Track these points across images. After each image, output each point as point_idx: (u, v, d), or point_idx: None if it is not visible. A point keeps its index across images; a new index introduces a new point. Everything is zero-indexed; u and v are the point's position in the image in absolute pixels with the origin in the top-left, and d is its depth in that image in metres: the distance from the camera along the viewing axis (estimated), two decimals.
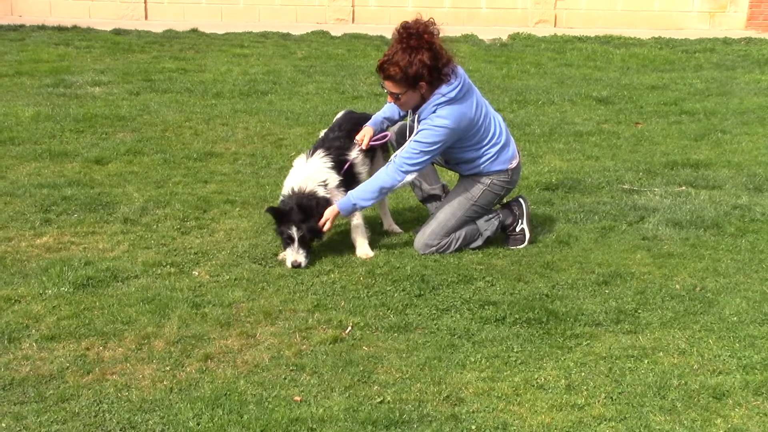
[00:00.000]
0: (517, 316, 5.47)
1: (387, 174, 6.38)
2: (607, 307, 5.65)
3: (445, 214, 6.62)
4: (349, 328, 5.34)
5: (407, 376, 4.82)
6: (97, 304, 5.55)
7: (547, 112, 11.22)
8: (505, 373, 4.86)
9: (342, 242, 6.66)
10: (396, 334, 5.29)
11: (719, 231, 7.00)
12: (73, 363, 4.87)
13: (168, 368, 4.85)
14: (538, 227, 7.01)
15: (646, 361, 4.98)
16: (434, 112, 6.30)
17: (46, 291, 5.70)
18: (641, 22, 18.58)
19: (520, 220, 6.77)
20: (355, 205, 6.37)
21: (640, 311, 5.62)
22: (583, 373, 4.86)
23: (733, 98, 12.08)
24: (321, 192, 6.41)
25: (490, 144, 6.58)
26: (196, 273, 6.10)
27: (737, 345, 5.16)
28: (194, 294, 5.74)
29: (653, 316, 5.57)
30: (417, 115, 6.42)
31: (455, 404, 4.57)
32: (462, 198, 6.66)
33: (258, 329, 5.32)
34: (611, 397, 4.62)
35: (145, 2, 18.68)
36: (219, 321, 5.38)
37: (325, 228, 6.37)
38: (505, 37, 16.67)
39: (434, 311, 5.58)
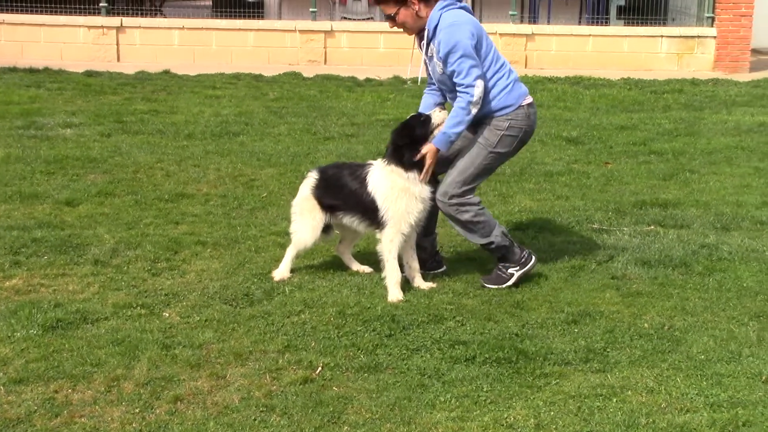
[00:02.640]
0: (486, 356, 5.49)
1: (459, 97, 6.33)
2: (577, 346, 5.68)
3: (464, 162, 6.53)
4: (320, 368, 5.34)
5: (377, 416, 4.83)
6: (66, 346, 5.53)
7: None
8: (474, 413, 4.87)
9: (312, 281, 6.67)
10: (366, 375, 5.29)
11: (687, 270, 7.06)
12: (41, 406, 4.84)
13: (137, 410, 4.84)
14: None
15: (614, 400, 5.01)
16: (440, 18, 6.29)
17: (15, 333, 5.67)
18: (611, 64, 18.78)
19: (519, 266, 6.67)
20: (446, 133, 6.35)
21: (608, 350, 5.66)
22: (552, 412, 4.88)
23: (700, 138, 12.21)
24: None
25: (501, 71, 6.49)
26: (167, 314, 6.10)
27: (704, 383, 5.20)
28: (164, 335, 5.73)
29: (622, 354, 5.60)
30: (427, 35, 6.39)
31: None
32: (480, 145, 6.54)
33: (228, 370, 5.32)
34: None
35: (117, 44, 18.73)
36: (189, 362, 5.38)
37: (427, 164, 6.37)
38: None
39: (404, 351, 5.59)
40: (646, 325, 6.03)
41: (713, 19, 19.15)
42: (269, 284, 6.61)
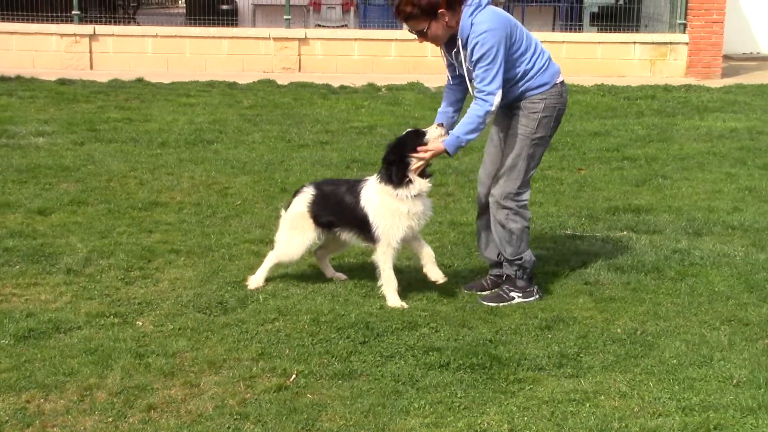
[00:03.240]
0: (460, 362, 5.50)
1: (475, 104, 6.27)
2: (550, 352, 5.70)
3: (511, 159, 6.49)
4: (294, 376, 5.34)
5: (351, 423, 4.83)
6: (39, 356, 5.50)
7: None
8: (448, 419, 4.89)
9: (286, 289, 6.67)
10: (340, 382, 5.30)
11: (659, 275, 7.10)
12: (12, 416, 4.82)
13: (110, 419, 4.82)
14: (481, 272, 7.07)
15: (587, 405, 5.03)
16: (472, 25, 6.22)
17: None
18: (584, 70, 18.85)
19: (523, 295, 6.61)
20: (459, 138, 6.31)
21: (582, 355, 5.69)
22: (525, 418, 4.90)
23: (673, 144, 12.28)
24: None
25: (537, 52, 6.46)
26: (140, 323, 6.08)
27: (676, 387, 5.24)
28: (138, 344, 5.72)
29: (595, 359, 5.63)
30: (459, 41, 6.32)
31: None
32: (521, 137, 6.48)
33: (202, 379, 5.31)
34: None
35: (90, 52, 18.65)
36: (163, 371, 5.36)
37: (422, 156, 6.35)
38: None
39: (378, 358, 5.60)
40: (619, 330, 6.06)
41: (685, 25, 19.27)
42: (243, 292, 6.61)
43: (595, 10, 21.32)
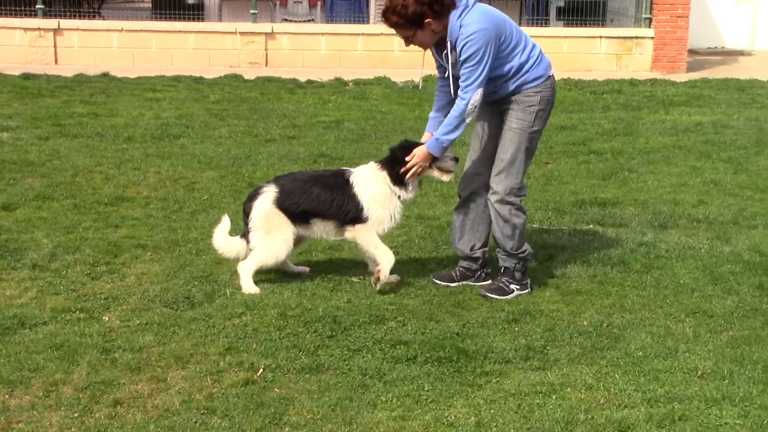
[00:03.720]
0: (428, 355, 5.52)
1: (456, 104, 6.33)
2: (517, 345, 5.73)
3: (510, 154, 6.50)
4: (261, 370, 5.34)
5: (318, 417, 4.84)
6: (4, 351, 5.47)
7: (459, 153, 11.27)
8: (415, 412, 4.90)
9: (256, 283, 6.65)
10: (308, 376, 5.30)
11: (625, 268, 7.15)
12: None
13: (76, 415, 4.80)
14: (448, 265, 7.08)
15: (554, 397, 5.06)
16: (461, 26, 6.23)
17: None
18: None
19: (521, 287, 6.65)
20: (439, 140, 6.42)
21: (548, 348, 5.72)
22: (492, 410, 4.92)
23: (639, 138, 12.35)
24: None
25: (528, 46, 6.48)
26: (106, 318, 6.05)
27: (642, 379, 5.28)
28: (104, 339, 5.70)
29: (561, 352, 5.66)
30: (449, 43, 6.33)
31: None
32: (518, 130, 6.50)
33: (169, 373, 5.29)
34: None
35: (55, 46, 18.51)
36: (129, 366, 5.34)
37: (411, 164, 6.50)
38: (417, 80, 16.84)
39: (346, 352, 5.60)
40: (585, 322, 6.10)
41: (651, 20, 19.35)
42: (210, 287, 6.59)
43: (561, 4, 21.37)
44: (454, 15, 6.27)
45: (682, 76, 18.14)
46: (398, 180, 6.61)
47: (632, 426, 4.75)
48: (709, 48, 22.39)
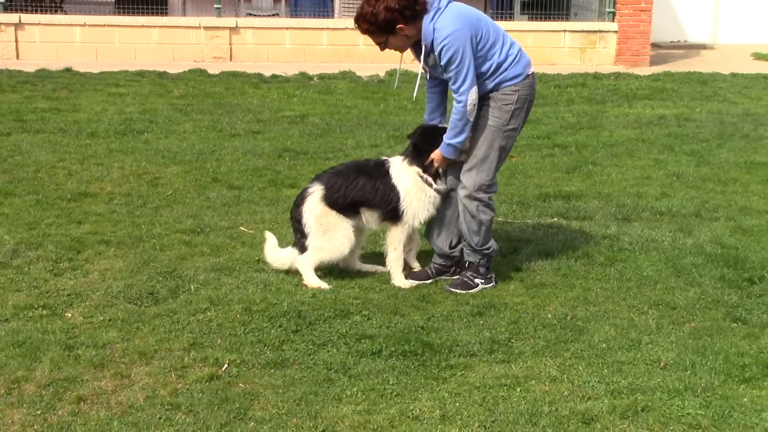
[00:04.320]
0: (393, 349, 5.53)
1: (455, 108, 6.33)
2: (481, 338, 5.75)
3: (482, 151, 6.51)
4: (226, 365, 5.33)
5: (283, 411, 4.83)
6: None
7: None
8: (380, 406, 4.91)
9: (218, 279, 6.64)
10: (272, 371, 5.29)
11: (589, 261, 7.18)
12: None
13: (39, 412, 4.77)
14: (422, 259, 7.09)
15: (518, 390, 5.08)
16: (434, 30, 6.22)
17: None
18: None
19: (485, 281, 6.67)
20: (451, 144, 6.45)
21: (513, 341, 5.74)
22: (457, 403, 4.93)
23: (603, 131, 12.42)
24: None
25: (507, 44, 6.48)
26: (69, 315, 6.02)
27: (605, 371, 5.31)
28: (67, 336, 5.66)
29: (526, 345, 5.69)
30: (424, 47, 6.33)
31: None
32: (493, 128, 6.50)
33: (133, 369, 5.27)
34: (484, 426, 4.71)
35: (17, 41, 18.34)
36: (92, 362, 5.32)
37: (437, 167, 6.63)
38: (382, 74, 16.85)
39: (311, 346, 5.60)
40: (549, 315, 6.13)
41: (614, 14, 19.45)
42: (174, 282, 6.56)
43: None
44: (426, 18, 6.27)
45: (645, 70, 18.26)
46: (428, 170, 6.66)
47: (596, 417, 4.78)
48: (671, 42, 22.55)
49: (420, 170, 6.66)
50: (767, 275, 6.80)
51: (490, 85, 6.46)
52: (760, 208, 8.65)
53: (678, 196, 9.07)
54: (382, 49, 6.52)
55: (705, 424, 4.75)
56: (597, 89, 15.87)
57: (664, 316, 6.15)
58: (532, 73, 6.63)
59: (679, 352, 5.55)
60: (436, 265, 6.92)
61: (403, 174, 6.69)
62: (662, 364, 5.40)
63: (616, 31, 19.32)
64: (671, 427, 4.71)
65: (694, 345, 5.67)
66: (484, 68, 6.39)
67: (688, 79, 16.90)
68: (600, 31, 19.42)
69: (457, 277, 6.80)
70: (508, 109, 6.49)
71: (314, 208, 6.66)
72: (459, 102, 6.30)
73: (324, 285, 6.58)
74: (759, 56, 20.41)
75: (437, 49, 6.25)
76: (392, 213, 6.68)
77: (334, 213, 6.65)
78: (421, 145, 6.68)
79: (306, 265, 6.65)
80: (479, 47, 6.34)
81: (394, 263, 6.72)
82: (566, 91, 15.68)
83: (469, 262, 6.72)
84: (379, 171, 6.74)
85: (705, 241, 7.62)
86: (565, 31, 19.48)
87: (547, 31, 19.51)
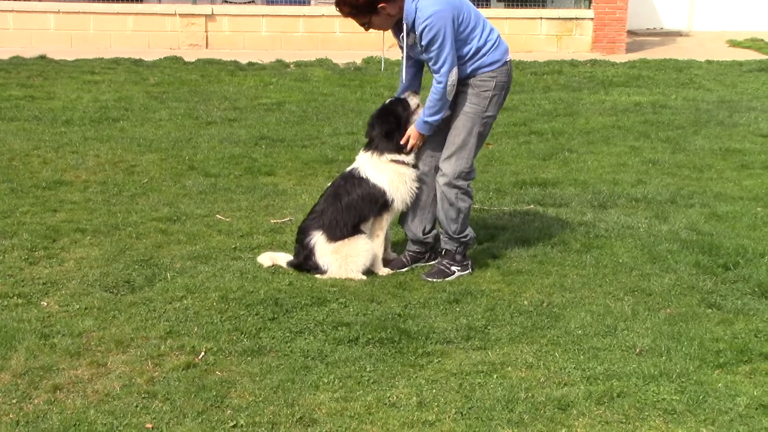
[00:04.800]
0: (370, 336, 5.53)
1: (433, 87, 6.34)
2: (458, 325, 5.76)
3: (461, 138, 6.51)
4: (202, 353, 5.32)
5: (260, 399, 4.83)
6: None
7: None
8: (357, 393, 4.91)
9: (194, 267, 6.62)
10: (249, 358, 5.29)
11: (565, 247, 7.20)
12: None
13: (14, 401, 4.75)
14: (394, 247, 7.10)
15: (495, 376, 5.10)
16: (416, 10, 6.21)
17: None
18: None
19: (461, 268, 6.71)
20: (428, 122, 6.46)
21: (489, 327, 5.75)
22: (434, 390, 4.94)
23: (579, 118, 12.45)
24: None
25: (486, 29, 6.48)
26: (45, 303, 5.99)
27: (581, 357, 5.33)
28: (43, 324, 5.64)
29: (502, 331, 5.70)
30: (405, 26, 6.32)
31: (308, 425, 4.60)
32: (470, 115, 6.50)
33: (109, 358, 5.25)
34: (461, 413, 4.72)
35: None
36: (68, 351, 5.29)
37: (410, 144, 6.58)
38: (359, 61, 16.83)
39: (288, 334, 5.60)
40: (525, 302, 6.15)
41: (590, 1, 19.49)
42: (150, 271, 6.54)
43: None
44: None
45: (621, 57, 18.31)
46: (399, 148, 6.62)
47: (572, 403, 4.80)
48: (647, 29, 22.61)
49: (392, 155, 6.62)
50: (741, 261, 6.85)
51: (468, 69, 6.45)
52: (734, 195, 8.70)
53: (653, 183, 9.11)
54: (366, 29, 6.51)
55: (680, 409, 4.77)
56: (573, 76, 15.90)
57: (640, 302, 6.18)
58: (509, 60, 6.63)
59: (654, 338, 5.58)
60: (410, 253, 6.93)
61: (377, 168, 6.63)
62: (638, 350, 5.42)
63: (592, 19, 19.36)
64: (646, 413, 4.74)
65: (669, 331, 5.70)
66: (463, 52, 6.39)
67: (663, 66, 16.96)
68: (576, 19, 19.46)
69: (433, 264, 6.81)
70: (486, 96, 6.50)
71: (326, 251, 6.61)
72: (439, 83, 6.30)
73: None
74: (734, 43, 20.50)
75: (419, 29, 6.24)
76: (383, 207, 6.66)
77: (342, 242, 6.60)
78: (383, 130, 6.63)
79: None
80: (460, 29, 6.33)
81: (376, 249, 6.72)
82: (543, 79, 15.71)
83: (446, 250, 6.73)
84: (355, 182, 6.67)
85: (680, 228, 7.66)
86: (541, 18, 19.50)
87: (523, 18, 19.52)
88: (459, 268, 6.68)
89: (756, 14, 22.48)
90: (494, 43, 6.51)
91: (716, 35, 21.74)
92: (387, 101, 6.77)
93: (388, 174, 6.62)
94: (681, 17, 22.94)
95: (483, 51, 6.45)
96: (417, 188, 6.71)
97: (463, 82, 6.48)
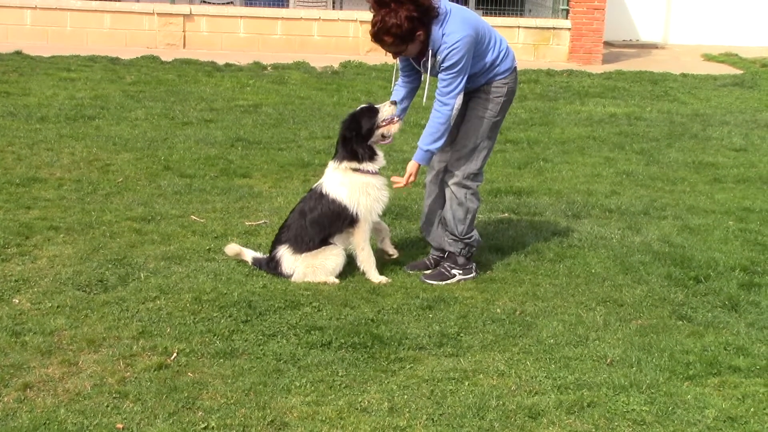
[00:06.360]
0: (342, 341, 5.54)
1: (436, 111, 6.40)
2: (431, 331, 5.78)
3: (473, 141, 6.61)
4: (174, 354, 5.31)
5: (232, 401, 4.83)
6: None
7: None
8: (329, 397, 4.92)
9: (168, 267, 6.61)
10: (222, 360, 5.29)
11: (539, 256, 7.24)
12: None
13: None
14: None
15: (466, 383, 5.12)
16: (443, 35, 6.25)
17: None
18: None
19: (463, 272, 6.74)
20: (428, 150, 6.49)
21: (462, 335, 5.77)
22: (405, 396, 4.96)
23: (555, 128, 12.50)
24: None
25: (497, 40, 6.58)
26: (17, 301, 5.96)
27: (553, 366, 5.36)
28: (14, 322, 5.61)
29: (474, 339, 5.72)
30: (430, 51, 6.33)
31: (279, 428, 4.61)
32: (483, 118, 6.60)
33: (80, 357, 5.24)
34: (432, 419, 4.74)
35: None
36: (40, 349, 5.28)
37: (410, 180, 6.58)
38: (336, 65, 16.83)
39: (261, 337, 5.60)
40: (498, 310, 6.17)
41: (568, 11, 19.57)
42: (124, 270, 6.53)
43: None
44: (435, 25, 6.29)
45: (597, 68, 18.39)
46: (364, 155, 6.58)
47: (542, 412, 4.82)
48: (624, 40, 22.73)
49: (352, 164, 6.58)
50: (712, 274, 6.90)
51: (483, 80, 6.58)
52: (706, 208, 8.76)
53: (627, 194, 9.17)
54: (395, 57, 6.53)
55: (649, 420, 4.81)
56: (550, 86, 15.97)
57: (612, 312, 6.22)
58: (516, 66, 6.77)
59: (625, 349, 5.62)
60: (434, 257, 7.02)
61: (337, 181, 6.60)
62: (608, 360, 5.46)
63: (569, 29, 19.45)
64: (616, 423, 4.77)
65: (640, 342, 5.74)
66: (479, 66, 6.50)
67: (639, 78, 17.05)
68: (554, 28, 19.54)
69: (435, 268, 6.85)
70: (499, 101, 6.63)
71: (293, 262, 6.60)
72: (446, 105, 6.37)
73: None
74: (709, 57, 20.63)
75: (443, 54, 6.30)
76: (350, 221, 6.62)
77: (309, 255, 6.59)
78: (348, 134, 6.58)
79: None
80: (478, 47, 6.43)
81: (365, 261, 6.68)
82: (519, 87, 15.67)
83: (449, 252, 6.78)
84: (317, 197, 6.66)
85: (653, 240, 7.71)
86: (519, 27, 19.56)
87: (501, 27, 19.49)
88: (461, 272, 6.72)
89: (731, 28, 22.63)
90: (505, 52, 6.64)
91: (692, 48, 21.88)
92: (356, 108, 6.75)
93: (347, 187, 6.58)
94: (657, 30, 23.09)
95: (497, 62, 6.58)
96: (386, 200, 6.72)
97: (476, 90, 6.59)
